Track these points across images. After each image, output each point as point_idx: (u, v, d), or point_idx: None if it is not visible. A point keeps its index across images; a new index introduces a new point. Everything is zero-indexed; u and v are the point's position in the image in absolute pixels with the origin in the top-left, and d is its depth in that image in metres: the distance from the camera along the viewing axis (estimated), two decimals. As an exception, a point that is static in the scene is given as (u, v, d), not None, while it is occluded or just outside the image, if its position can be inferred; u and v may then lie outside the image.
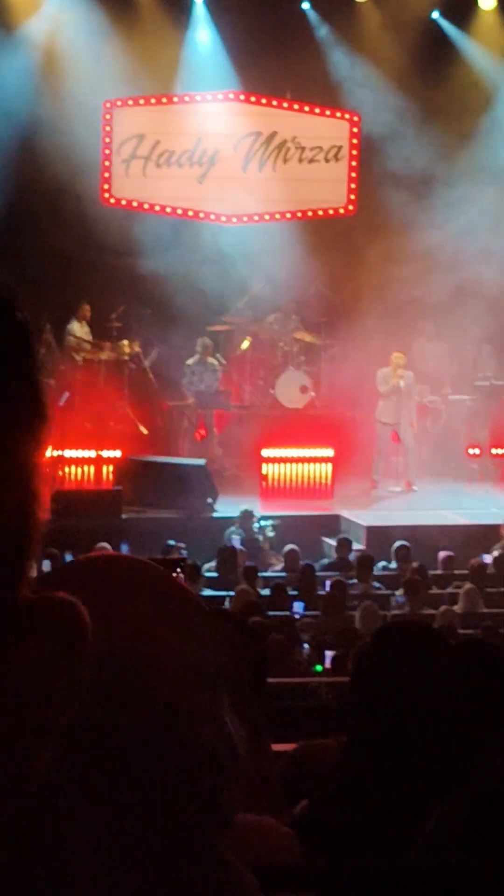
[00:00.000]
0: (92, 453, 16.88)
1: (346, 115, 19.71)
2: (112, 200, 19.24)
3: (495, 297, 17.79)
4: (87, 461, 16.85)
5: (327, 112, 19.74)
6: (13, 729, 1.06)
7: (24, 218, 18.02)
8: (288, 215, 19.69)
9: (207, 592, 12.62)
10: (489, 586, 13.25)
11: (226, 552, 13.70)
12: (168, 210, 19.38)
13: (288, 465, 17.11)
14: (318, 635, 10.92)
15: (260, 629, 10.14)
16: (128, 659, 1.15)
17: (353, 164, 19.69)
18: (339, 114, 19.75)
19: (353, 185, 19.68)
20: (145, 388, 18.50)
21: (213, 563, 13.68)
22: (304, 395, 18.28)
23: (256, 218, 19.54)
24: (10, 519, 1.12)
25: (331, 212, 19.79)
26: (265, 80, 19.28)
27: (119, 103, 19.23)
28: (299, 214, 19.74)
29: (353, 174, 19.68)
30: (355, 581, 13.04)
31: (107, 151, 19.22)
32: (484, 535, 14.82)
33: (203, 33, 19.47)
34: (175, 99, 19.48)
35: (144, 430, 18.05)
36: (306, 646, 10.75)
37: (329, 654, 10.13)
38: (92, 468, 16.81)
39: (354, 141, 19.66)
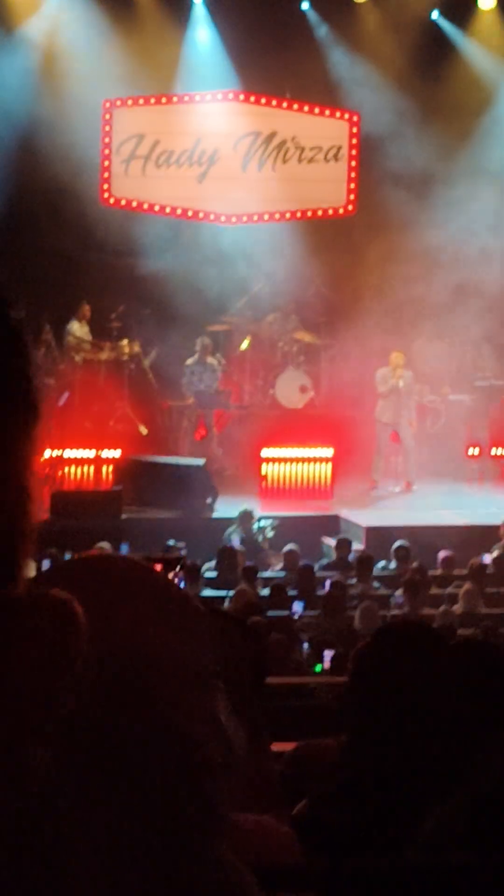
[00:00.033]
0: (92, 453, 16.90)
1: (346, 115, 19.72)
2: (112, 200, 19.24)
3: (495, 296, 17.80)
4: (87, 461, 16.86)
5: (327, 112, 19.74)
6: (9, 727, 1.06)
7: (24, 218, 18.03)
8: (287, 215, 19.69)
9: (207, 592, 12.62)
10: (489, 586, 13.25)
11: (225, 552, 13.70)
12: (167, 210, 19.38)
13: (287, 464, 17.12)
14: (318, 635, 10.92)
15: (259, 629, 10.15)
16: (123, 658, 1.15)
17: (353, 163, 19.69)
18: (338, 114, 19.76)
19: (352, 185, 19.69)
20: (145, 387, 18.51)
21: (212, 563, 13.68)
22: (304, 394, 18.28)
23: (256, 218, 19.54)
24: (4, 517, 1.12)
25: (330, 212, 19.79)
26: (265, 80, 19.28)
27: (119, 103, 19.24)
28: (299, 214, 19.74)
29: (353, 174, 19.68)
30: (355, 581, 13.05)
31: (106, 151, 19.22)
32: (483, 536, 14.82)
33: (202, 33, 19.48)
34: (175, 99, 19.49)
35: (144, 430, 18.06)
36: (306, 645, 10.75)
37: (328, 653, 10.13)
38: (92, 468, 16.82)
39: (354, 141, 19.66)
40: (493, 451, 18.34)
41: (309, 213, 19.77)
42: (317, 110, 19.72)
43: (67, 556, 11.57)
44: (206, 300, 18.30)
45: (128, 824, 1.12)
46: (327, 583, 12.41)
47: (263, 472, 17.03)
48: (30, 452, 1.14)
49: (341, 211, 19.77)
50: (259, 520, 15.12)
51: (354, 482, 17.13)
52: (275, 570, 14.11)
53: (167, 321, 18.03)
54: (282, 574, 13.69)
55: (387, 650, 2.75)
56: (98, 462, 16.83)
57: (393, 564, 13.90)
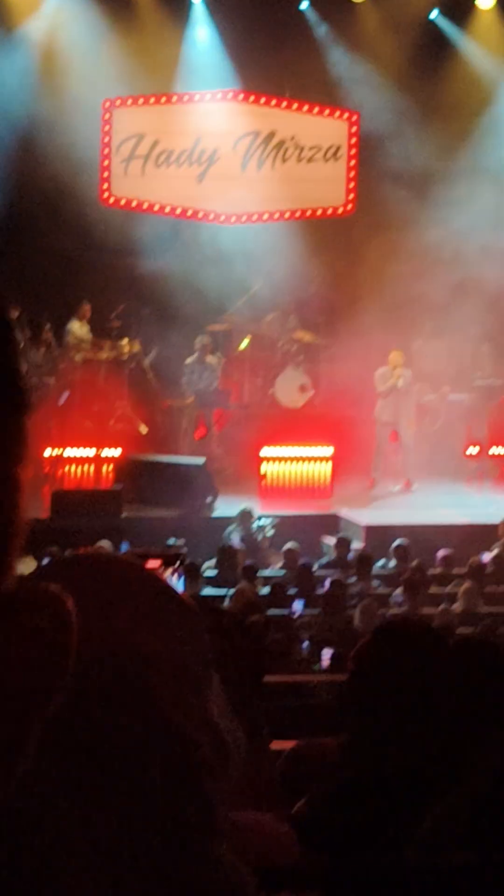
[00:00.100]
0: (92, 452, 16.89)
1: (345, 115, 19.71)
2: (111, 200, 19.23)
3: (494, 295, 17.79)
4: (87, 460, 16.85)
5: (326, 111, 19.74)
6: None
7: (24, 217, 18.02)
8: (287, 215, 19.69)
9: (207, 591, 12.62)
10: (488, 585, 13.25)
11: (225, 551, 13.69)
12: (167, 209, 19.38)
13: (287, 464, 17.11)
14: (318, 634, 10.92)
15: (259, 628, 10.15)
16: (121, 658, 1.15)
17: (352, 163, 19.68)
18: (337, 113, 19.75)
19: (351, 185, 19.68)
20: (145, 387, 18.51)
21: (212, 562, 13.67)
22: (304, 394, 18.27)
23: (255, 217, 19.54)
24: None
25: (329, 211, 19.78)
26: (264, 80, 19.27)
27: (118, 103, 19.23)
28: (298, 214, 19.74)
29: (352, 174, 19.67)
30: (354, 580, 13.04)
31: (106, 151, 19.21)
32: (483, 534, 14.81)
33: (202, 32, 19.46)
34: (174, 98, 19.48)
35: (144, 429, 18.05)
36: (306, 644, 10.75)
37: (327, 652, 10.13)
38: (92, 467, 16.82)
39: (353, 140, 19.65)
40: (493, 451, 18.32)
41: (308, 213, 19.77)
42: (316, 110, 19.70)
43: (69, 553, 11.55)
44: (206, 299, 18.29)
45: (127, 823, 1.12)
46: (327, 581, 12.41)
47: (263, 472, 17.03)
48: (20, 447, 1.13)
49: (340, 210, 19.76)
50: (259, 519, 15.11)
51: (354, 481, 17.12)
52: (274, 569, 14.10)
53: (167, 320, 18.02)
54: (282, 573, 13.68)
55: (386, 649, 2.76)
56: (98, 461, 16.83)
57: (392, 563, 13.89)
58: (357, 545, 14.60)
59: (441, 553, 13.98)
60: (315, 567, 13.56)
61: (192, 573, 12.23)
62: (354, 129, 19.63)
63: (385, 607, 12.13)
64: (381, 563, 13.93)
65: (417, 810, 2.58)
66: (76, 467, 16.75)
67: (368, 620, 10.94)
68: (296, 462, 17.09)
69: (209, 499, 15.77)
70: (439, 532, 14.90)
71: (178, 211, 19.40)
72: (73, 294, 18.27)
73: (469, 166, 18.86)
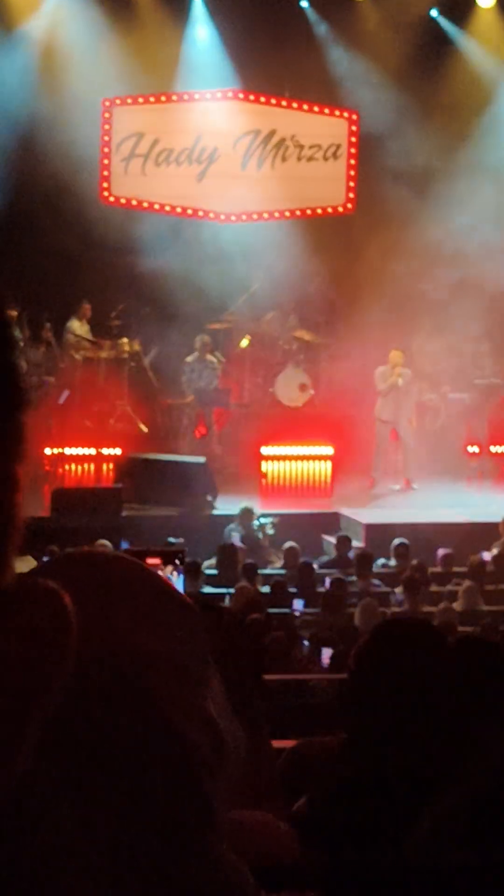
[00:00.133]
0: (92, 451, 16.90)
1: (345, 114, 19.71)
2: (111, 199, 19.23)
3: (494, 294, 17.79)
4: (88, 459, 16.87)
5: (326, 110, 19.74)
6: None
7: (24, 216, 18.01)
8: (287, 214, 19.69)
9: (207, 589, 12.63)
10: (488, 584, 13.25)
11: (226, 550, 13.70)
12: (167, 208, 19.38)
13: (287, 462, 17.12)
14: (318, 633, 10.92)
15: (259, 626, 10.15)
16: (120, 657, 1.15)
17: (352, 162, 19.68)
18: (337, 112, 19.75)
19: (351, 184, 19.68)
20: (145, 386, 18.51)
21: (213, 561, 13.68)
22: (304, 393, 18.27)
23: (255, 216, 19.54)
24: None
25: (329, 210, 19.78)
26: (264, 78, 19.27)
27: (118, 102, 19.23)
28: (298, 213, 19.74)
29: (352, 172, 19.67)
30: (354, 578, 13.04)
31: (106, 150, 19.21)
32: (483, 533, 14.81)
33: (202, 31, 19.46)
34: (174, 97, 19.48)
35: (144, 428, 18.05)
36: (306, 643, 10.75)
37: (326, 651, 10.13)
38: (92, 466, 16.83)
39: (353, 139, 19.65)
40: (493, 449, 18.33)
41: (308, 212, 19.77)
42: (316, 109, 19.70)
43: (66, 551, 11.56)
44: (206, 298, 18.29)
45: (127, 823, 1.12)
46: (327, 580, 12.41)
47: (263, 470, 17.03)
48: (19, 446, 1.13)
49: (340, 209, 19.76)
50: (259, 517, 15.12)
51: (354, 480, 17.12)
52: (275, 568, 14.11)
53: (167, 319, 18.02)
54: (282, 571, 13.69)
55: (386, 648, 2.76)
56: (98, 460, 16.84)
57: (393, 562, 13.90)
58: (357, 544, 14.60)
59: (441, 552, 13.98)
60: (315, 566, 13.56)
61: (192, 572, 12.22)
62: (354, 127, 19.63)
63: (385, 606, 12.14)
64: (381, 561, 13.94)
65: (417, 809, 2.58)
66: (76, 466, 16.76)
67: (369, 619, 10.94)
68: (296, 461, 17.10)
69: (209, 497, 15.78)
70: (439, 531, 14.90)
71: (179, 210, 19.40)
72: (73, 293, 18.28)
73: (469, 165, 18.86)
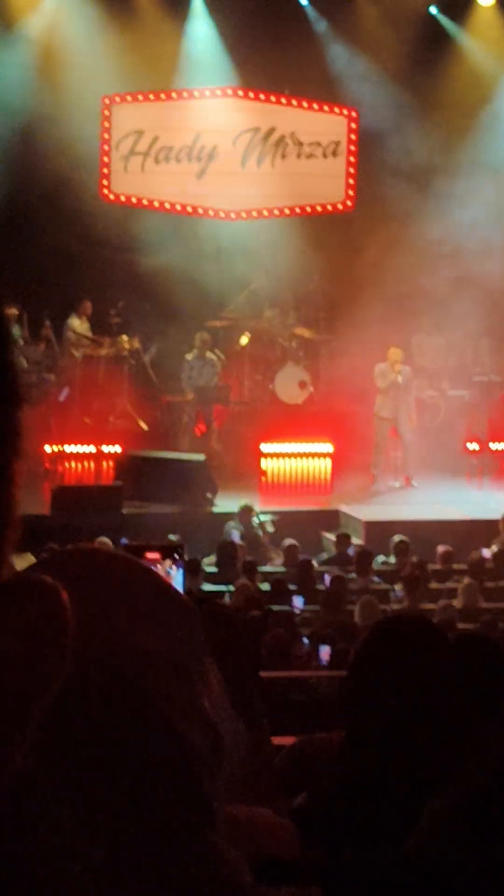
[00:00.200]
0: (92, 448, 16.90)
1: (345, 111, 19.71)
2: (111, 196, 19.24)
3: (494, 291, 17.79)
4: (87, 456, 16.87)
5: (325, 107, 19.74)
6: None
7: (23, 214, 18.02)
8: (286, 211, 19.69)
9: (207, 587, 12.63)
10: (488, 581, 13.25)
11: (225, 547, 13.70)
12: (167, 206, 19.38)
13: (287, 460, 17.12)
14: (318, 630, 10.93)
15: (258, 623, 10.16)
16: (118, 656, 1.15)
17: (352, 159, 19.69)
18: (337, 109, 19.75)
19: (351, 181, 19.69)
20: (145, 383, 18.51)
21: (212, 558, 13.69)
22: (303, 390, 18.28)
23: (255, 213, 19.54)
24: None
25: (329, 207, 19.78)
26: (264, 76, 19.27)
27: (118, 99, 19.24)
28: (297, 210, 19.74)
29: (352, 170, 19.68)
30: (354, 576, 13.05)
31: (105, 147, 19.22)
32: (483, 530, 14.82)
33: (201, 28, 19.46)
34: (173, 95, 19.48)
35: (144, 426, 18.06)
36: (306, 640, 10.76)
37: (324, 648, 10.14)
38: (92, 463, 16.83)
39: (353, 136, 19.65)
40: (492, 446, 18.33)
41: (308, 209, 19.77)
42: (315, 106, 19.71)
43: (63, 548, 11.56)
44: (206, 296, 18.30)
45: (127, 823, 1.12)
46: (327, 578, 12.42)
47: (263, 468, 17.04)
48: (14, 441, 1.13)
49: (340, 207, 19.76)
50: (259, 515, 15.12)
51: (354, 477, 17.13)
52: (275, 565, 14.12)
53: (167, 317, 18.03)
54: (282, 569, 13.70)
55: (386, 645, 2.76)
56: (98, 457, 16.84)
57: (392, 559, 13.90)
58: (357, 541, 14.61)
59: (441, 549, 13.99)
60: (315, 563, 13.57)
61: (192, 569, 12.23)
62: (354, 125, 19.64)
63: (385, 603, 12.14)
64: (381, 559, 13.94)
65: (417, 808, 2.58)
66: (76, 464, 16.77)
67: (368, 616, 10.94)
68: (296, 458, 17.11)
69: (209, 495, 15.78)
70: (439, 528, 14.91)
71: (178, 207, 19.40)
72: (72, 291, 18.28)
73: (469, 162, 18.86)
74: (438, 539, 14.28)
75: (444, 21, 20.03)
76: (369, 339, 17.38)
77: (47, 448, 16.42)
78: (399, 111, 19.06)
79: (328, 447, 17.09)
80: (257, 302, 19.05)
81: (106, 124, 19.17)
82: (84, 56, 18.56)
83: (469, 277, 17.79)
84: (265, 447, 17.06)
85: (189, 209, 19.40)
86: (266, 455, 17.05)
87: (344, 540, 14.29)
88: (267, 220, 19.54)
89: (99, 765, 1.11)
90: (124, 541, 13.62)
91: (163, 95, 19.43)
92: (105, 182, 19.22)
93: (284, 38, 18.88)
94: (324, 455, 17.11)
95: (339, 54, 19.57)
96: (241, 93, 19.49)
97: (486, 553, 13.88)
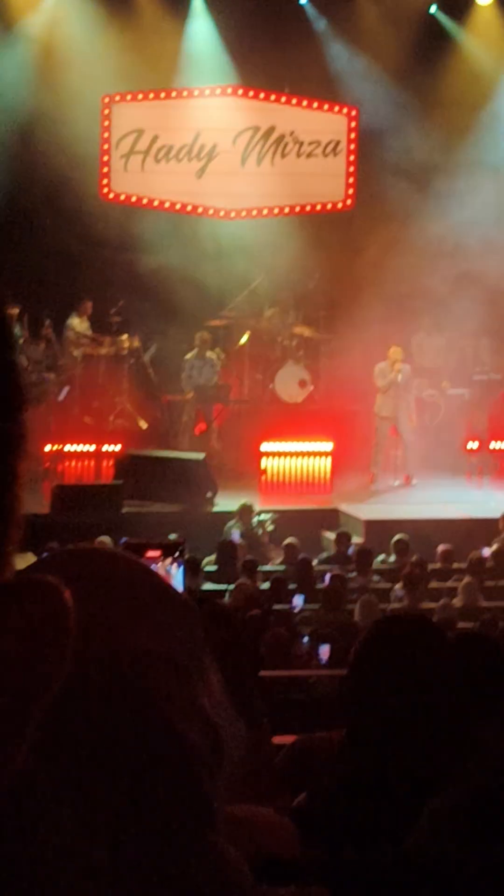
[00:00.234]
0: (92, 448, 16.90)
1: (345, 110, 19.71)
2: (111, 195, 19.23)
3: (494, 290, 17.79)
4: (87, 455, 16.87)
5: (325, 106, 19.74)
6: None
7: (23, 213, 18.02)
8: (286, 210, 19.69)
9: (207, 586, 12.63)
10: (488, 580, 13.25)
11: (225, 546, 13.70)
12: (167, 205, 19.38)
13: (287, 459, 17.12)
14: (318, 629, 10.92)
15: (257, 622, 10.16)
16: (112, 655, 1.15)
17: (352, 158, 19.69)
18: (337, 108, 19.75)
19: (351, 180, 19.69)
20: (145, 382, 18.51)
21: (212, 557, 13.68)
22: (303, 389, 18.28)
23: (255, 212, 19.54)
24: None
25: (329, 206, 19.78)
26: (263, 75, 19.27)
27: (117, 98, 19.24)
28: (297, 209, 19.74)
29: (352, 168, 19.68)
30: (354, 574, 13.05)
31: (105, 146, 19.22)
32: (483, 529, 14.81)
33: (201, 27, 19.45)
34: (173, 94, 19.47)
35: (144, 425, 18.06)
36: (306, 639, 10.76)
37: (324, 647, 10.14)
38: (92, 462, 16.83)
39: (353, 135, 19.65)
40: (492, 445, 18.33)
41: (308, 208, 19.77)
42: (315, 105, 19.70)
43: (63, 548, 11.55)
44: (206, 295, 18.30)
45: (127, 823, 1.12)
46: (327, 576, 12.41)
47: (263, 467, 17.03)
48: (17, 442, 1.13)
49: (340, 205, 19.76)
50: (259, 514, 15.12)
51: (354, 476, 17.13)
52: (275, 564, 14.11)
53: (167, 316, 18.02)
54: (282, 568, 13.69)
55: (385, 644, 2.76)
56: (98, 456, 16.84)
57: (392, 558, 13.90)
58: (357, 540, 14.60)
59: (441, 548, 13.98)
60: (315, 562, 13.57)
61: (192, 568, 12.23)
62: (354, 123, 19.64)
63: (385, 602, 12.13)
64: (380, 557, 13.94)
65: (417, 807, 2.58)
66: (76, 463, 16.76)
67: (368, 615, 10.94)
68: (296, 457, 17.11)
69: (209, 494, 15.78)
70: (439, 527, 14.91)
71: (178, 206, 19.40)
72: (72, 290, 18.28)
73: (469, 161, 18.87)
74: (438, 538, 14.27)
75: (444, 20, 20.03)
76: (369, 338, 17.38)
77: (47, 447, 16.42)
78: (399, 110, 19.06)
79: (328, 446, 17.09)
80: (257, 301, 19.05)
81: (106, 123, 19.17)
82: (84, 55, 18.56)
83: (469, 276, 17.79)
84: (265, 446, 17.06)
85: (189, 208, 19.40)
86: (266, 454, 17.05)
87: (344, 539, 14.28)
88: (267, 219, 19.54)
89: (99, 765, 1.11)
90: (124, 540, 13.63)
91: (163, 94, 19.43)
92: (105, 181, 19.22)
93: (284, 37, 18.88)
94: (323, 454, 17.10)
95: (338, 53, 19.57)
96: (240, 92, 19.49)
97: (486, 552, 13.87)
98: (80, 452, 16.84)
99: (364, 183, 19.39)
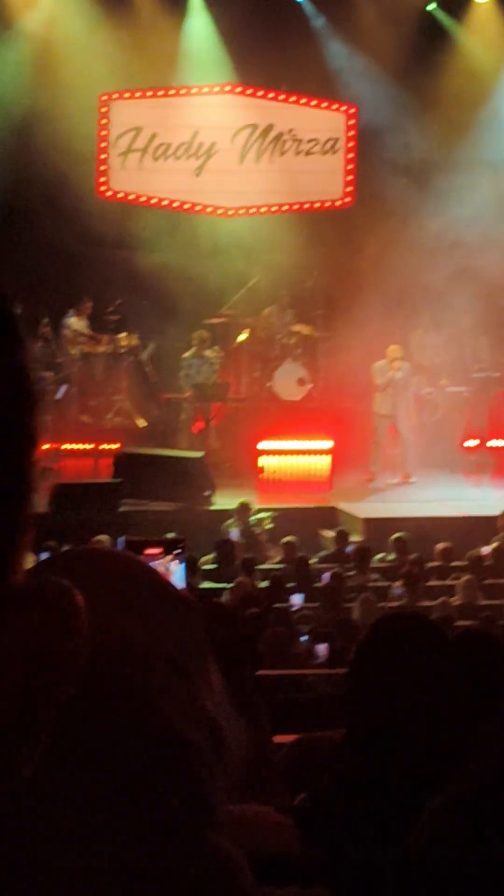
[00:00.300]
0: (90, 446, 16.89)
1: (343, 108, 19.71)
2: (109, 193, 19.23)
3: (493, 288, 17.80)
4: (85, 454, 16.86)
5: (324, 104, 19.74)
6: (6, 718, 1.05)
7: (21, 211, 18.01)
8: (285, 208, 19.69)
9: (206, 585, 12.62)
10: (487, 578, 13.25)
11: (224, 544, 13.70)
12: (165, 203, 19.38)
13: (285, 457, 17.12)
14: (317, 627, 10.92)
15: (256, 620, 10.16)
16: (114, 655, 1.15)
17: (350, 156, 19.69)
18: (335, 106, 19.75)
19: (349, 178, 19.69)
20: (143, 380, 18.51)
21: (210, 556, 13.68)
22: (302, 387, 18.28)
23: (253, 210, 19.54)
24: (5, 505, 1.12)
25: (327, 204, 19.79)
26: (261, 73, 19.27)
27: (115, 96, 19.23)
28: (296, 207, 19.74)
29: (350, 166, 19.68)
30: (353, 573, 13.04)
31: (103, 144, 19.21)
32: (482, 527, 14.81)
33: (199, 25, 19.46)
34: (171, 91, 19.47)
35: (142, 423, 18.06)
36: (304, 638, 10.76)
37: (321, 647, 10.13)
38: (90, 461, 16.83)
39: (351, 133, 19.66)
40: (491, 443, 18.34)
41: (306, 206, 19.77)
42: (314, 102, 19.70)
43: (66, 549, 11.56)
44: (204, 293, 18.30)
45: (127, 823, 1.12)
46: (326, 575, 12.41)
47: (261, 465, 17.03)
48: (30, 444, 1.14)
49: (338, 203, 19.77)
50: (257, 512, 15.12)
51: (352, 474, 17.13)
52: (273, 563, 14.11)
53: (165, 314, 18.02)
54: (280, 566, 13.69)
55: (385, 643, 2.76)
56: (96, 455, 16.83)
57: (391, 556, 13.90)
58: (356, 538, 14.60)
59: (440, 546, 13.98)
60: (314, 560, 13.57)
61: (190, 567, 12.22)
62: (352, 121, 19.65)
63: (384, 600, 12.13)
64: (379, 556, 13.94)
65: (418, 805, 2.58)
66: (74, 461, 16.76)
67: (367, 613, 10.94)
68: (294, 455, 17.10)
69: (207, 492, 15.78)
70: (438, 525, 14.91)
71: (176, 204, 19.40)
72: (70, 288, 18.28)
73: (467, 158, 18.88)
74: (437, 536, 14.27)
75: (443, 17, 20.04)
76: (368, 336, 17.39)
77: (45, 446, 16.41)
78: (397, 107, 19.07)
79: (327, 444, 17.08)
80: (256, 299, 19.05)
81: (104, 121, 19.16)
82: (82, 53, 18.56)
83: (468, 274, 17.80)
84: (263, 444, 17.05)
85: (187, 206, 19.40)
86: (264, 452, 17.04)
87: (342, 537, 14.29)
88: (265, 216, 19.54)
89: (99, 765, 1.11)
90: (121, 540, 13.63)
91: (161, 92, 19.42)
92: (103, 179, 19.22)
93: (283, 35, 18.88)
94: (322, 452, 17.10)
95: (337, 51, 19.58)
96: (239, 89, 19.50)
97: (485, 550, 13.88)
98: (77, 451, 16.84)
99: (362, 181, 19.39)
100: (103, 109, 19.16)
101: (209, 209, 19.41)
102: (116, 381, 18.05)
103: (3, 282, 1.21)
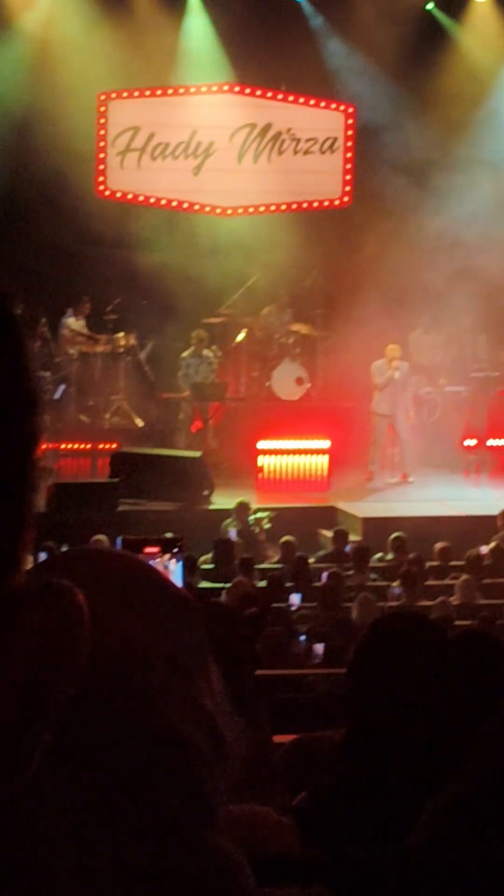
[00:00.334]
0: (88, 446, 16.89)
1: (342, 107, 19.71)
2: (107, 193, 19.23)
3: (492, 287, 17.80)
4: (84, 454, 16.86)
5: (322, 103, 19.74)
6: (8, 719, 1.05)
7: (20, 210, 18.02)
8: (283, 207, 19.69)
9: (204, 584, 12.62)
10: (486, 577, 13.26)
11: (222, 544, 13.70)
12: (163, 202, 19.38)
13: (284, 456, 17.13)
14: (315, 627, 10.93)
15: (255, 620, 10.15)
16: (114, 655, 1.15)
17: (348, 155, 19.70)
18: (333, 105, 19.76)
19: (348, 177, 19.70)
20: (141, 380, 18.51)
21: (209, 555, 13.68)
22: (300, 386, 18.28)
23: (252, 210, 19.55)
24: (6, 506, 1.12)
25: (326, 203, 19.79)
26: (260, 72, 19.27)
27: (114, 96, 19.23)
28: (294, 206, 19.74)
29: (348, 166, 19.69)
30: (352, 572, 13.05)
31: (101, 144, 19.21)
32: (480, 526, 14.83)
33: (197, 24, 19.46)
34: (170, 91, 19.47)
35: (140, 423, 18.06)
36: (303, 637, 10.76)
37: (319, 647, 10.14)
38: (88, 461, 16.82)
39: (349, 132, 19.66)
40: (490, 442, 18.35)
41: (305, 205, 19.77)
42: (312, 102, 19.71)
43: (64, 548, 11.56)
44: (203, 292, 18.30)
45: (127, 823, 1.12)
46: (324, 574, 12.41)
47: (260, 464, 17.04)
48: (31, 446, 1.14)
49: (337, 203, 19.78)
50: (255, 511, 15.13)
51: (351, 474, 17.14)
52: (271, 562, 14.12)
53: (163, 313, 18.02)
54: (279, 566, 13.70)
55: (384, 643, 2.76)
56: (94, 455, 16.83)
57: (390, 556, 13.91)
58: (354, 538, 14.61)
59: (439, 545, 13.99)
60: (312, 560, 13.57)
61: (189, 566, 12.22)
62: (351, 121, 19.65)
63: (383, 600, 12.13)
64: (378, 555, 13.95)
65: (418, 805, 2.58)
66: (72, 461, 16.75)
67: (366, 613, 10.94)
68: (293, 455, 17.11)
69: (206, 492, 15.79)
70: (437, 524, 14.92)
71: (175, 204, 19.40)
72: (68, 288, 18.28)
73: (466, 157, 18.89)
74: (436, 536, 14.28)
75: (441, 16, 20.05)
76: (367, 336, 17.39)
77: (43, 445, 16.39)
78: (396, 106, 19.08)
79: (325, 444, 17.09)
80: (254, 298, 19.05)
81: (102, 121, 19.16)
82: (80, 52, 18.55)
83: (467, 274, 17.80)
84: (262, 444, 17.06)
85: (185, 205, 19.40)
86: (263, 452, 17.05)
87: (341, 536, 14.29)
88: (264, 216, 19.54)
89: (99, 765, 1.11)
90: (120, 540, 13.61)
91: (159, 92, 19.42)
92: (101, 178, 19.22)
93: (281, 34, 18.89)
94: (321, 452, 17.11)
95: (335, 50, 19.59)
96: (237, 89, 19.50)
97: (484, 549, 13.89)
98: (76, 450, 16.83)
99: (361, 180, 19.40)
100: (101, 109, 19.16)
101: (207, 208, 19.41)
102: (115, 381, 18.04)
103: (3, 282, 1.21)
